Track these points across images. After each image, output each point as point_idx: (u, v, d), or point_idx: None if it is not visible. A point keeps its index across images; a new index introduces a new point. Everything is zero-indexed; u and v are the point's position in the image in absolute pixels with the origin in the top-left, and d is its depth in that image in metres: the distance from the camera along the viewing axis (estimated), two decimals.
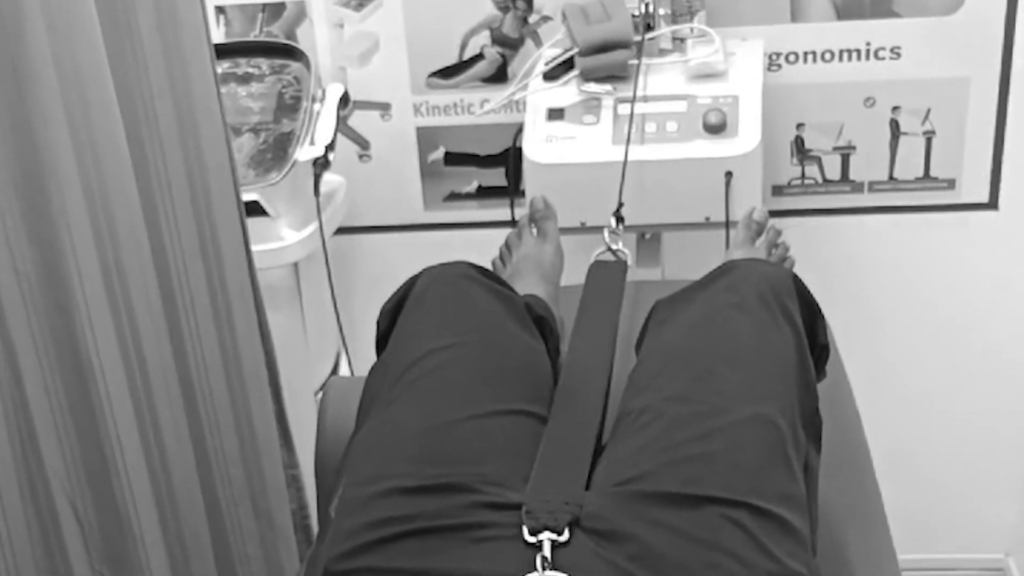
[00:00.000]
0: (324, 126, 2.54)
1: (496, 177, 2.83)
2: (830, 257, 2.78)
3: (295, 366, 2.47)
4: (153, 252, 1.94)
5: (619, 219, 2.08)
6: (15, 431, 1.71)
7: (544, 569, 1.22)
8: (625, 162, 2.20)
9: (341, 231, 2.75)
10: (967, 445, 2.94)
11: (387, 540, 1.30)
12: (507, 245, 2.13)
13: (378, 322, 1.70)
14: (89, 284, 1.75)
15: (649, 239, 2.51)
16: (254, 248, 2.26)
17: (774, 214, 2.59)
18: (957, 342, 2.85)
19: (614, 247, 2.01)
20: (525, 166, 2.41)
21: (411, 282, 1.69)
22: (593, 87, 2.43)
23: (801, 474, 1.42)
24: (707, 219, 2.34)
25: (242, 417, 2.17)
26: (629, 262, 1.97)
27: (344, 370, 2.73)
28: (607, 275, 1.89)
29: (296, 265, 2.54)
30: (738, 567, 1.25)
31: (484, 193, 2.87)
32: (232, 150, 2.13)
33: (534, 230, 2.13)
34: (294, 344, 2.51)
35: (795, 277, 1.65)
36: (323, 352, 2.69)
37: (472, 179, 2.87)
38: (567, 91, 2.47)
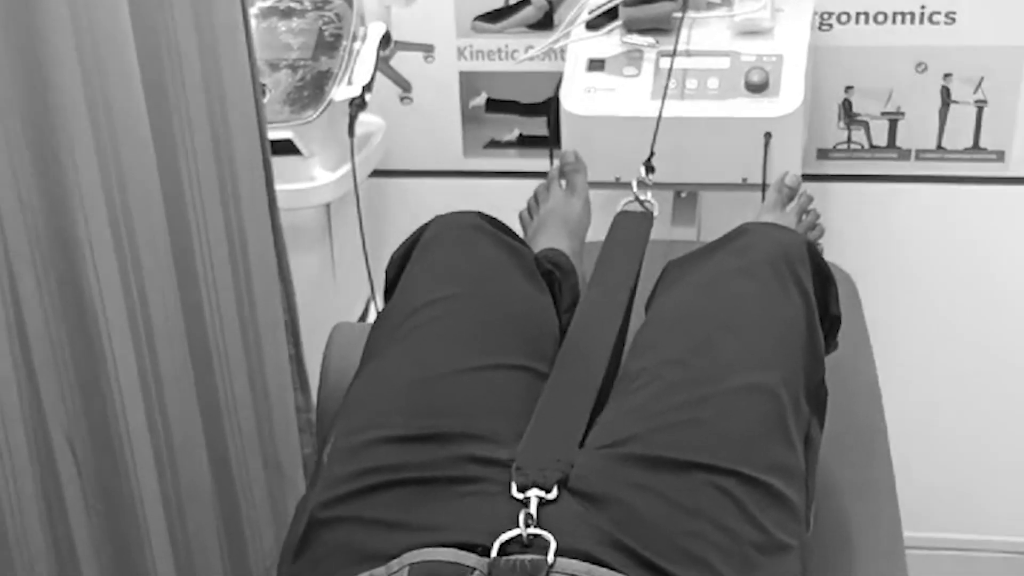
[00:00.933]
0: (363, 66, 2.47)
1: (538, 126, 2.75)
2: (871, 224, 2.69)
3: (322, 309, 2.41)
4: (166, 189, 1.88)
5: (649, 169, 2.02)
6: (15, 365, 1.66)
7: (528, 526, 1.19)
8: (660, 116, 2.12)
9: (377, 174, 2.68)
10: (1006, 424, 2.85)
11: (372, 489, 1.28)
12: (535, 197, 2.08)
13: (387, 270, 1.68)
14: (94, 220, 1.69)
15: (685, 198, 2.44)
16: (285, 187, 2.23)
17: (817, 178, 2.59)
18: (999, 318, 2.75)
19: (642, 197, 1.94)
20: (562, 117, 2.34)
21: (421, 230, 1.66)
22: (636, 39, 2.35)
23: (801, 446, 1.38)
24: (744, 180, 2.26)
25: (254, 362, 2.11)
26: (656, 213, 1.91)
27: (373, 316, 2.67)
28: (631, 226, 1.83)
29: (328, 206, 2.48)
30: (721, 535, 1.22)
31: (525, 142, 2.80)
32: (258, 85, 2.06)
33: (563, 183, 2.07)
34: (322, 287, 2.46)
35: (809, 244, 1.59)
36: (352, 296, 2.63)
37: (513, 127, 2.80)
38: (609, 41, 2.39)
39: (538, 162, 2.73)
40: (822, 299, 1.55)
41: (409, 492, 1.26)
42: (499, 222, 1.67)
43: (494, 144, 2.82)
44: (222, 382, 2.06)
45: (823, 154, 2.66)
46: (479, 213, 1.67)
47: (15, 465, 1.64)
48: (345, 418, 1.43)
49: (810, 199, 1.96)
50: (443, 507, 1.24)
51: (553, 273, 1.69)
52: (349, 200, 2.46)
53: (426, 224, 1.67)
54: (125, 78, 1.74)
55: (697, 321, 1.48)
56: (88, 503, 1.78)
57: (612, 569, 1.16)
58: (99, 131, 1.70)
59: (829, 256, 2.03)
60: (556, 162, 2.10)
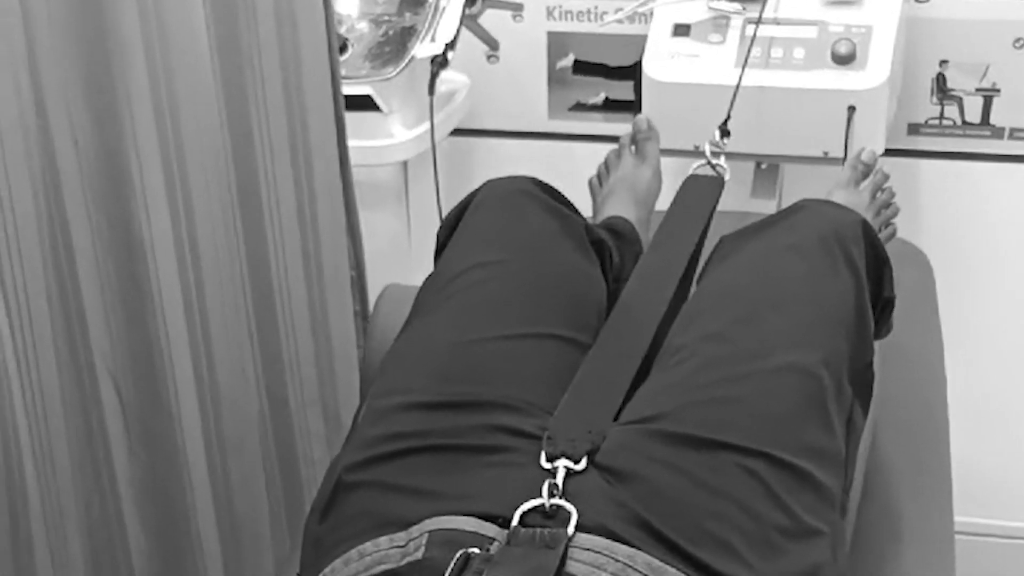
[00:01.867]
0: (447, 23, 2.44)
1: (625, 90, 2.70)
2: (959, 204, 2.60)
3: (396, 267, 2.38)
4: (235, 139, 1.87)
5: (724, 133, 1.96)
6: (65, 308, 1.67)
7: (552, 496, 1.17)
8: (739, 83, 2.06)
9: (459, 132, 2.66)
10: None
11: (397, 454, 1.27)
12: (605, 165, 2.04)
13: (438, 233, 1.65)
14: (148, 165, 1.68)
15: (766, 169, 2.38)
16: (363, 143, 2.23)
17: (906, 153, 2.54)
18: None
19: (714, 161, 1.89)
20: (643, 82, 2.30)
21: (473, 194, 1.63)
22: (723, 4, 2.30)
23: (841, 429, 1.34)
24: (825, 154, 2.21)
25: (319, 317, 2.10)
26: (727, 178, 1.86)
27: None
28: (700, 190, 1.78)
29: (405, 164, 2.46)
30: (745, 518, 1.19)
31: (611, 106, 2.75)
32: (334, 39, 2.05)
33: (634, 150, 2.02)
34: (396, 245, 2.44)
35: (865, 223, 1.54)
36: (427, 255, 2.60)
37: (600, 90, 2.75)
38: (696, 7, 2.34)
39: (623, 127, 2.59)
40: (876, 280, 1.51)
41: (433, 459, 1.25)
42: (551, 188, 1.63)
43: (580, 107, 2.78)
44: (285, 335, 2.05)
45: (913, 129, 2.58)
46: (530, 178, 1.63)
47: (47, 406, 1.65)
48: (380, 380, 1.42)
49: (886, 177, 1.88)
50: (466, 476, 1.23)
51: (604, 242, 1.65)
52: (427, 158, 2.43)
53: (478, 188, 1.64)
54: (192, 29, 1.73)
55: (741, 297, 1.45)
56: (131, 447, 1.79)
57: (632, 546, 1.14)
58: (156, 79, 1.69)
59: (908, 234, 2.01)
60: (628, 128, 2.06)
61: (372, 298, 2.21)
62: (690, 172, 1.87)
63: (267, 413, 2.06)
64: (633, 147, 2.02)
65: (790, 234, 1.52)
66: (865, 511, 1.54)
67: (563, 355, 1.41)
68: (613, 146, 2.10)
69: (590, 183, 2.02)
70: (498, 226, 1.57)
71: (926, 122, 2.58)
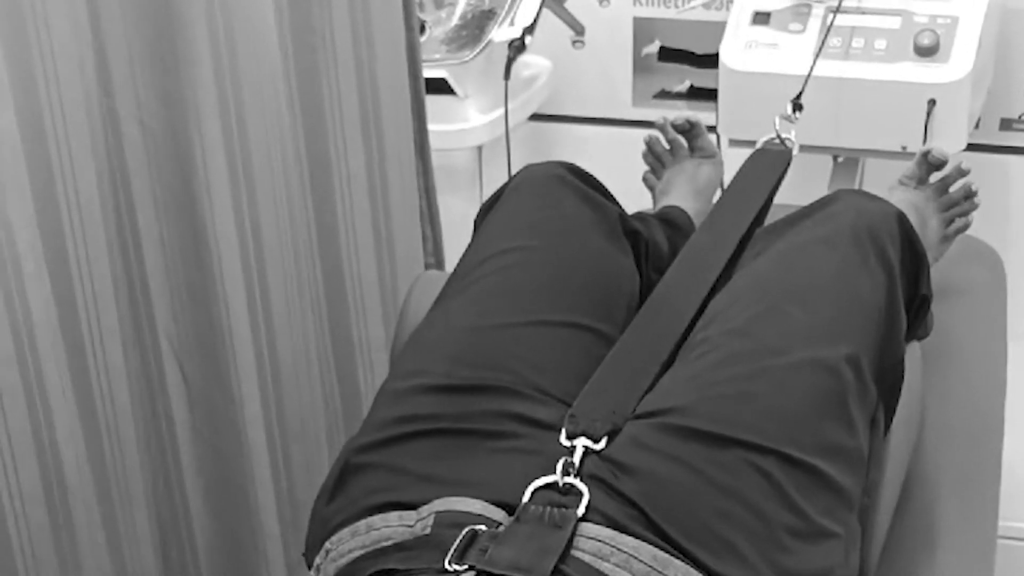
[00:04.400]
0: (527, 8, 2.48)
1: (710, 78, 2.64)
2: None
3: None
4: (306, 122, 1.91)
5: (796, 106, 1.94)
6: (131, 289, 1.73)
7: (567, 475, 1.20)
8: (812, 66, 2.04)
9: (539, 117, 2.68)
10: None
11: (406, 437, 1.29)
12: (654, 156, 2.03)
13: (476, 220, 1.66)
14: (210, 147, 1.73)
15: (843, 163, 2.38)
16: (438, 128, 2.24)
17: (998, 149, 2.53)
18: None
19: (784, 134, 1.85)
20: (721, 71, 2.30)
21: (510, 180, 1.64)
22: None
23: (864, 428, 1.33)
24: (903, 148, 2.20)
25: (390, 302, 2.13)
26: (796, 152, 1.83)
27: None
28: (764, 164, 1.76)
29: (480, 149, 2.49)
30: (751, 518, 1.19)
31: (695, 94, 2.77)
32: (414, 21, 2.08)
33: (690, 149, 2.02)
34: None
35: (901, 217, 1.52)
36: None
37: (685, 78, 2.77)
38: None
39: (708, 115, 2.62)
40: (911, 277, 1.50)
41: (442, 443, 1.27)
42: (586, 174, 1.62)
43: (664, 94, 2.80)
44: (356, 321, 2.09)
45: (1006, 124, 2.58)
46: (566, 164, 1.63)
47: (113, 386, 1.71)
48: (397, 363, 1.45)
49: (962, 174, 1.82)
50: (474, 462, 1.25)
51: (639, 233, 1.63)
52: (502, 143, 2.46)
53: (516, 173, 1.65)
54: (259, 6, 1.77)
55: (766, 292, 1.43)
56: (195, 426, 1.85)
57: (637, 538, 1.16)
58: (219, 58, 1.73)
59: (993, 232, 1.99)
60: (709, 118, 2.07)
61: None
62: (757, 146, 1.86)
63: (338, 401, 2.10)
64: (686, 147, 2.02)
65: (822, 227, 1.50)
66: (903, 513, 1.53)
67: (584, 345, 1.42)
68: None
69: (645, 178, 2.03)
70: (528, 212, 1.58)
71: (1020, 117, 2.57)
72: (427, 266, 2.23)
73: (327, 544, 1.26)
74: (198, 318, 1.81)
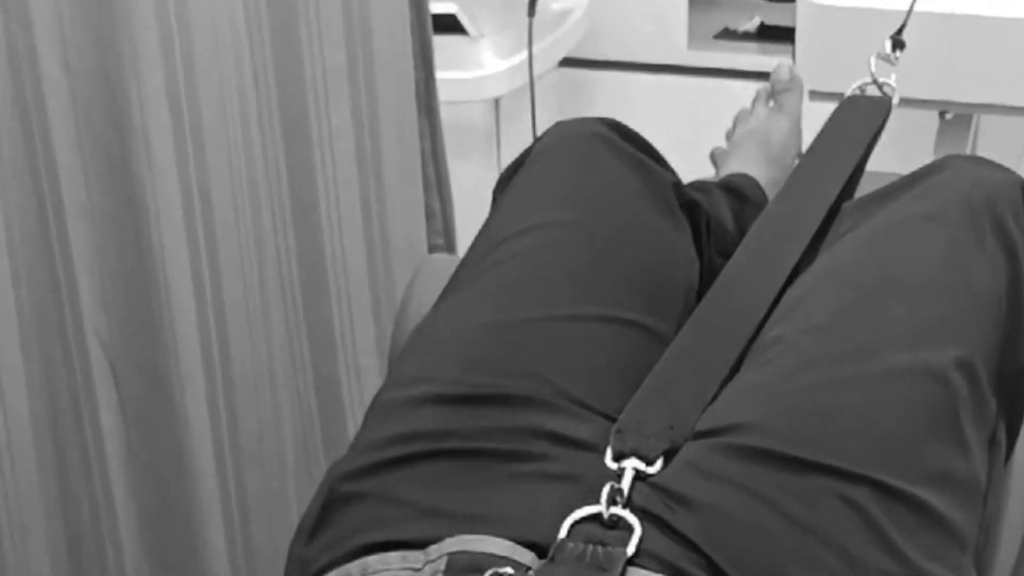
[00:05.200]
0: None
1: (785, 14, 2.52)
2: None
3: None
4: (277, 64, 1.76)
5: (897, 44, 1.77)
6: (51, 271, 1.60)
7: (613, 504, 1.07)
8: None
9: (572, 63, 2.53)
10: None
11: (407, 460, 1.16)
12: (734, 123, 1.90)
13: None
14: (150, 92, 1.60)
15: (953, 121, 2.22)
16: (445, 75, 2.10)
17: None
18: None
19: (881, 79, 1.71)
20: (799, 6, 2.15)
21: (536, 141, 1.54)
22: None
23: (980, 450, 1.22)
24: None
25: (382, 295, 1.97)
26: (896, 102, 1.68)
27: None
28: (858, 115, 1.65)
29: (497, 101, 2.35)
30: (838, 562, 1.08)
31: (767, 33, 2.62)
32: None
33: (771, 104, 1.89)
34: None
35: None
36: None
37: (753, 14, 2.65)
38: None
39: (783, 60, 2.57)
40: None
41: (452, 468, 1.15)
42: (632, 133, 1.51)
43: (728, 34, 2.66)
44: (339, 318, 1.94)
45: None
46: (607, 120, 1.51)
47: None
48: (395, 368, 1.38)
49: None
50: (491, 491, 1.13)
51: (699, 205, 1.52)
52: (525, 95, 2.32)
53: (543, 133, 1.55)
54: None
55: (856, 280, 1.32)
56: (129, 444, 1.73)
57: None
58: None
59: None
60: (769, 81, 1.91)
61: None
62: (847, 93, 1.72)
63: (314, 415, 1.96)
64: (771, 100, 1.88)
65: (926, 200, 1.38)
66: None
67: (631, 345, 1.31)
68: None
69: (712, 154, 1.89)
70: (560, 180, 1.47)
71: None
72: (432, 248, 2.09)
73: None
74: (134, 309, 1.69)
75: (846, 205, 1.50)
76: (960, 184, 1.41)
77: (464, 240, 2.00)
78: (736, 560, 1.07)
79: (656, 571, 1.05)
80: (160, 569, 1.81)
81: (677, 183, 1.52)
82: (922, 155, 2.10)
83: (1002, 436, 1.29)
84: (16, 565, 1.67)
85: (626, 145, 1.49)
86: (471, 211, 2.18)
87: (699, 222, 1.54)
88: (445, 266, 1.50)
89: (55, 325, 1.65)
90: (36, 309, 1.62)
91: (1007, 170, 1.46)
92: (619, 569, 1.04)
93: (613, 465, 1.13)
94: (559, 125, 1.55)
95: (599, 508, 1.08)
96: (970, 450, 1.21)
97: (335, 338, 1.96)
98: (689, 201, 1.52)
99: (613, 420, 1.20)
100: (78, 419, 1.70)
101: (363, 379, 2.00)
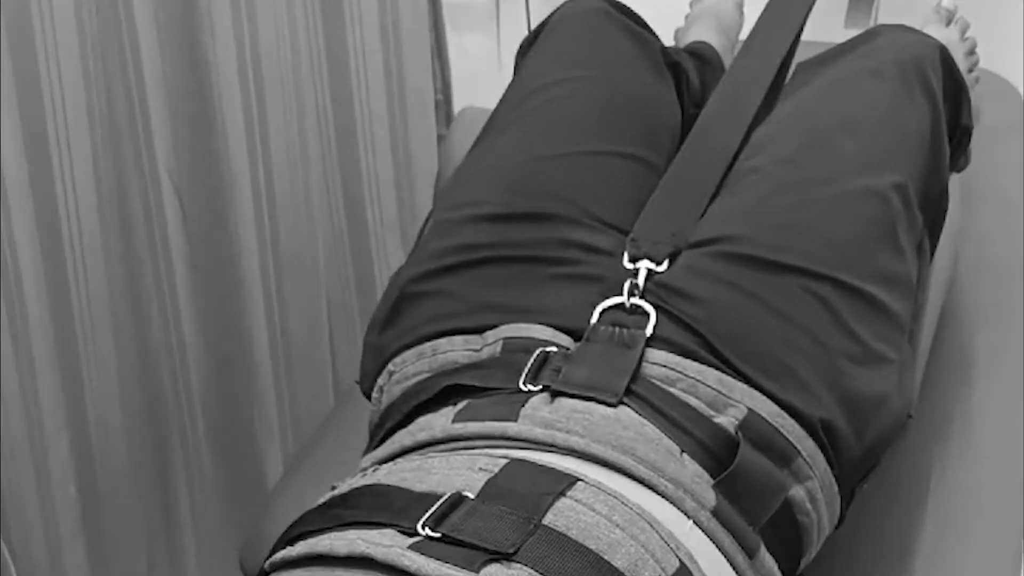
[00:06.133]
0: None
1: None
2: None
3: (486, 90, 2.35)
4: None
5: None
6: (132, 124, 1.71)
7: (632, 296, 1.20)
8: None
9: None
10: None
11: (465, 265, 1.28)
12: (691, 3, 2.01)
13: (516, 57, 1.64)
14: None
15: None
16: None
17: None
18: None
19: None
20: None
21: (551, 15, 1.62)
22: None
23: (912, 255, 1.33)
24: None
25: (399, 138, 2.10)
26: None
27: None
28: (789, 4, 1.70)
29: None
30: (811, 344, 1.19)
31: None
32: None
33: None
34: (487, 70, 2.41)
35: (943, 49, 1.50)
36: None
37: None
38: None
39: None
40: (953, 108, 1.48)
41: (503, 270, 1.26)
42: (628, 8, 1.61)
43: None
44: (365, 154, 2.08)
45: None
46: None
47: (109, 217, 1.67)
48: (447, 195, 1.42)
49: (968, 25, 1.82)
50: (537, 289, 1.24)
51: (680, 65, 1.61)
52: None
53: (556, 8, 1.62)
54: None
55: (815, 122, 1.42)
56: (193, 259, 1.84)
57: (702, 362, 1.15)
58: None
59: (1002, 69, 1.96)
60: None
61: None
62: None
63: (345, 233, 2.09)
64: None
65: (867, 59, 1.49)
66: (938, 348, 1.53)
67: (637, 174, 1.41)
68: None
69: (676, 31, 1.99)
70: (573, 45, 1.56)
71: None
72: (436, 104, 2.21)
73: (390, 366, 1.26)
74: (197, 151, 1.80)
75: (799, 64, 1.58)
76: (894, 47, 1.50)
77: (475, 96, 2.06)
78: (730, 342, 1.17)
79: (667, 351, 1.16)
80: (214, 355, 1.90)
81: (663, 47, 1.59)
82: (836, 25, 2.22)
83: (927, 244, 1.39)
84: (86, 354, 1.71)
85: (623, 18, 1.58)
86: (477, 73, 2.39)
87: (680, 78, 1.61)
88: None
89: (132, 163, 1.72)
90: (111, 145, 1.68)
91: (928, 36, 1.56)
92: (641, 345, 1.15)
93: (630, 266, 1.23)
94: (567, 4, 1.62)
95: (622, 299, 1.19)
96: (905, 255, 1.31)
97: (362, 172, 2.07)
98: (672, 62, 1.59)
99: (625, 233, 1.29)
100: (151, 237, 1.77)
101: (383, 206, 2.12)
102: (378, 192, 2.10)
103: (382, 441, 1.20)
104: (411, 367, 1.23)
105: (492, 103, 2.08)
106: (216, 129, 1.78)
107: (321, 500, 1.08)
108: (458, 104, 2.25)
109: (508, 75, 2.44)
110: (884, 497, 1.29)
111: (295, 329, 1.99)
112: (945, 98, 1.46)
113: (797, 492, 1.14)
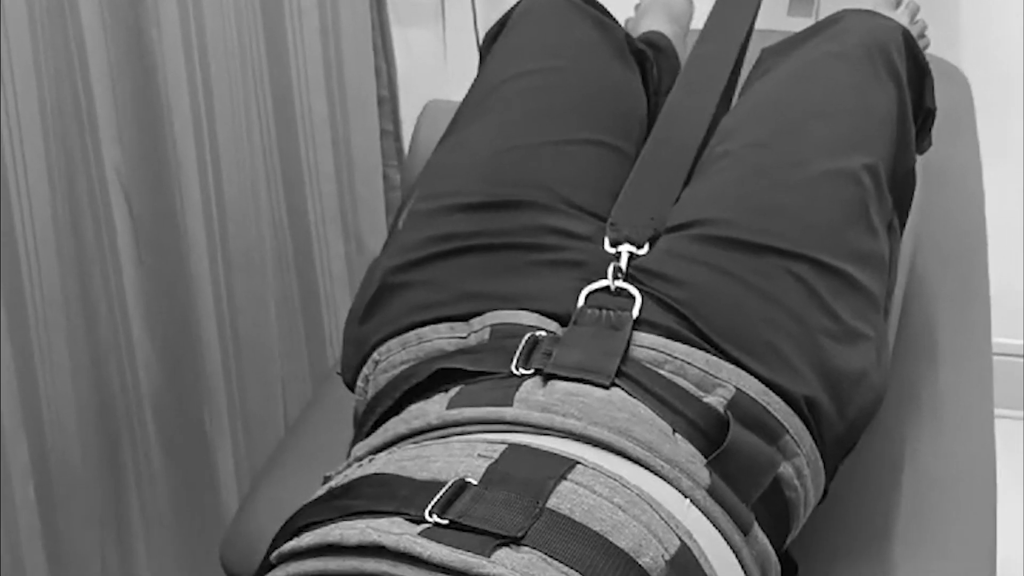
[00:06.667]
0: None
1: None
2: (1000, 21, 2.46)
3: (431, 87, 2.34)
4: None
5: None
6: (79, 122, 1.68)
7: (616, 279, 1.21)
8: None
9: None
10: None
11: (446, 255, 1.28)
12: None
13: (481, 48, 1.64)
14: None
15: None
16: None
17: None
18: None
19: None
20: None
21: (514, 7, 1.63)
22: None
23: (884, 235, 1.35)
24: None
25: (340, 134, 2.10)
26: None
27: None
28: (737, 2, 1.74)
29: None
30: (792, 323, 1.21)
31: None
32: None
33: None
34: (432, 64, 2.40)
35: (906, 32, 1.52)
36: (465, 75, 2.55)
37: None
38: None
39: None
40: (916, 90, 1.51)
41: (483, 259, 1.27)
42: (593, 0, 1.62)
43: None
44: (305, 148, 2.07)
45: None
46: None
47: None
48: (423, 184, 1.42)
49: (918, 8, 1.85)
50: (518, 276, 1.25)
51: (644, 53, 1.63)
52: None
53: (519, 1, 1.63)
54: None
55: (785, 106, 1.44)
56: (140, 256, 1.81)
57: (688, 344, 1.16)
58: None
59: (946, 53, 2.00)
60: None
61: (406, 117, 2.21)
62: None
63: (286, 227, 2.07)
64: None
65: (833, 43, 1.51)
66: (903, 327, 1.56)
67: (611, 162, 1.42)
68: None
69: (627, 21, 1.99)
70: (540, 36, 1.57)
71: None
72: (380, 100, 2.20)
73: (375, 356, 1.26)
74: (145, 145, 1.77)
75: (763, 50, 1.60)
76: (858, 31, 1.51)
77: (428, 91, 2.09)
78: (714, 323, 1.18)
79: (654, 334, 1.17)
80: (164, 353, 1.87)
81: (628, 36, 1.60)
82: (780, 14, 2.24)
83: (896, 224, 1.41)
84: (40, 354, 1.68)
85: (587, 7, 1.59)
86: (423, 69, 2.36)
87: (645, 67, 1.62)
88: (444, 109, 1.60)
89: (79, 157, 1.68)
90: (62, 144, 1.64)
91: (890, 19, 1.58)
92: (629, 327, 1.16)
93: (611, 250, 1.25)
94: None
95: (607, 282, 1.21)
96: (878, 235, 1.33)
97: (302, 169, 2.06)
98: (637, 50, 1.61)
99: (602, 219, 1.30)
100: (98, 237, 1.73)
101: (324, 203, 2.10)
102: (319, 187, 2.09)
103: (373, 428, 1.20)
104: (396, 356, 1.24)
105: (438, 97, 2.09)
106: (164, 127, 1.76)
107: (320, 491, 1.08)
108: (403, 100, 2.24)
109: (453, 70, 2.47)
110: (859, 473, 1.31)
111: (245, 326, 1.98)
112: (909, 81, 1.48)
113: (785, 469, 1.16)
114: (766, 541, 1.12)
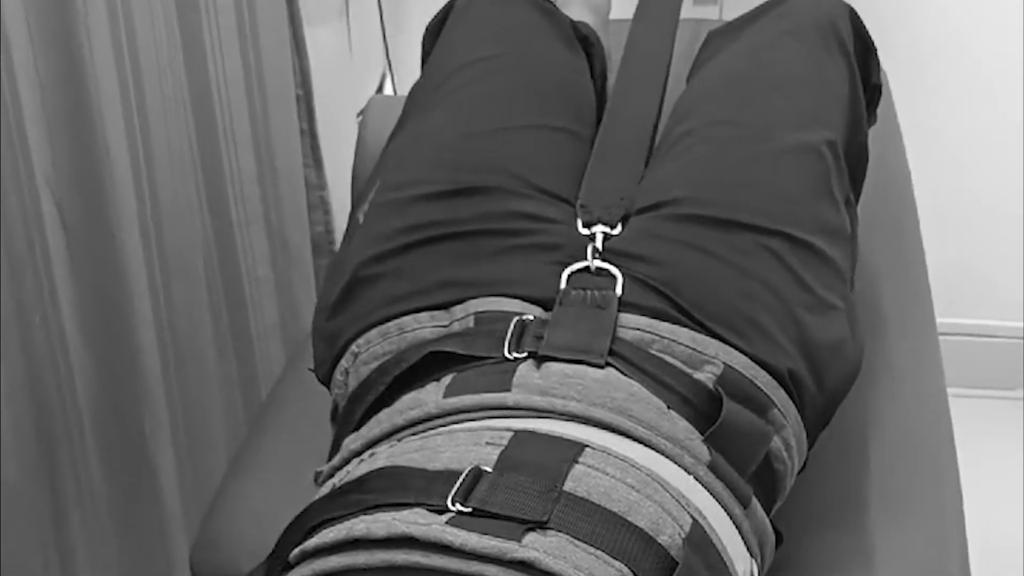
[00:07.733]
0: None
1: None
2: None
3: (337, 85, 2.35)
4: None
5: None
6: (7, 131, 1.63)
7: (595, 258, 1.20)
8: None
9: None
10: None
11: (417, 244, 1.27)
12: None
13: (423, 40, 1.63)
14: None
15: None
16: None
17: None
18: (1013, 96, 2.62)
19: None
20: None
21: None
22: None
23: (845, 208, 1.36)
24: None
25: (261, 134, 2.07)
26: None
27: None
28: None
29: None
30: (771, 297, 1.21)
31: None
32: None
33: None
34: (338, 62, 2.38)
35: (851, 10, 1.55)
36: (369, 72, 2.54)
37: None
38: None
39: None
40: (863, 66, 1.52)
41: (458, 247, 1.26)
42: None
43: None
44: (226, 150, 2.04)
45: None
46: None
47: None
48: (383, 176, 1.39)
49: None
50: (495, 262, 1.24)
51: (588, 39, 1.63)
52: None
53: None
54: None
55: (743, 83, 1.45)
56: (74, 267, 1.77)
57: (673, 323, 1.17)
58: None
59: None
60: None
61: (320, 117, 2.20)
62: None
63: (210, 231, 2.05)
64: None
65: (784, 21, 1.52)
66: None
67: (569, 146, 1.42)
68: None
69: None
70: (487, 24, 1.57)
71: None
72: (296, 98, 2.17)
73: (353, 348, 1.24)
74: (77, 158, 1.73)
75: (710, 32, 1.61)
76: (807, 9, 1.53)
77: (338, 90, 2.18)
78: (695, 301, 1.19)
79: (637, 314, 1.17)
80: (100, 364, 1.82)
81: (572, 22, 1.60)
82: (686, 4, 2.25)
83: (852, 198, 1.42)
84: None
85: None
86: (327, 65, 2.34)
87: (590, 51, 1.61)
88: (388, 104, 1.60)
89: (8, 169, 1.62)
90: None
91: None
92: (614, 305, 1.16)
93: (585, 231, 1.25)
94: None
95: (587, 263, 1.21)
96: (840, 208, 1.35)
97: (224, 171, 2.03)
98: (582, 36, 1.60)
99: (569, 203, 1.30)
100: (30, 245, 1.68)
101: (247, 205, 2.07)
102: (241, 188, 2.07)
103: (363, 419, 1.19)
104: (378, 347, 1.22)
105: (346, 95, 2.07)
106: (96, 134, 1.72)
107: (327, 489, 1.07)
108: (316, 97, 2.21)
109: (359, 67, 2.45)
110: (828, 446, 1.31)
111: (183, 331, 1.96)
112: (857, 58, 1.50)
113: (774, 441, 1.17)
114: (763, 514, 1.14)
